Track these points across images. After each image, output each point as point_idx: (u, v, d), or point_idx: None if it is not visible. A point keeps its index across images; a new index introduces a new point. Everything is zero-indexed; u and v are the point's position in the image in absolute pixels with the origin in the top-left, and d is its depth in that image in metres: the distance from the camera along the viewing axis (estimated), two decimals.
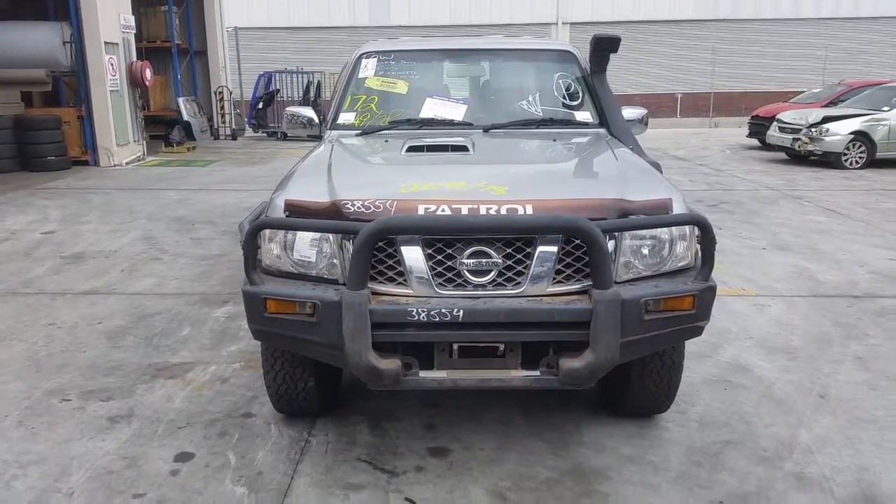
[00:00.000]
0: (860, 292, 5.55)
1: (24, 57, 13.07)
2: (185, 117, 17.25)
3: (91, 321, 5.00)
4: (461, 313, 2.65)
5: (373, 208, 2.78)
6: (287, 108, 4.81)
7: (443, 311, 2.64)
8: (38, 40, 13.26)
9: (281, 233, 2.87)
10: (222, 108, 19.79)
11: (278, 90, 20.78)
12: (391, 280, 2.76)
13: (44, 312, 5.19)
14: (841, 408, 3.64)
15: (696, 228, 2.84)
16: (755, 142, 16.66)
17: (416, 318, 2.65)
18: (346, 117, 4.34)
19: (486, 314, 2.66)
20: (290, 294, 2.76)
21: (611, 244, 2.75)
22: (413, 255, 2.71)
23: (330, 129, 4.29)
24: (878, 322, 4.88)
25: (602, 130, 4.15)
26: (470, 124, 4.14)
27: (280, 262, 2.89)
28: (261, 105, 20.02)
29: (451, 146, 3.70)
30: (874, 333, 4.67)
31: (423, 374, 2.80)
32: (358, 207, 2.79)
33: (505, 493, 2.93)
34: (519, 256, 2.72)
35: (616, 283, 2.73)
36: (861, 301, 5.34)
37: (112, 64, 13.47)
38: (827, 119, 13.15)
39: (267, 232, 2.88)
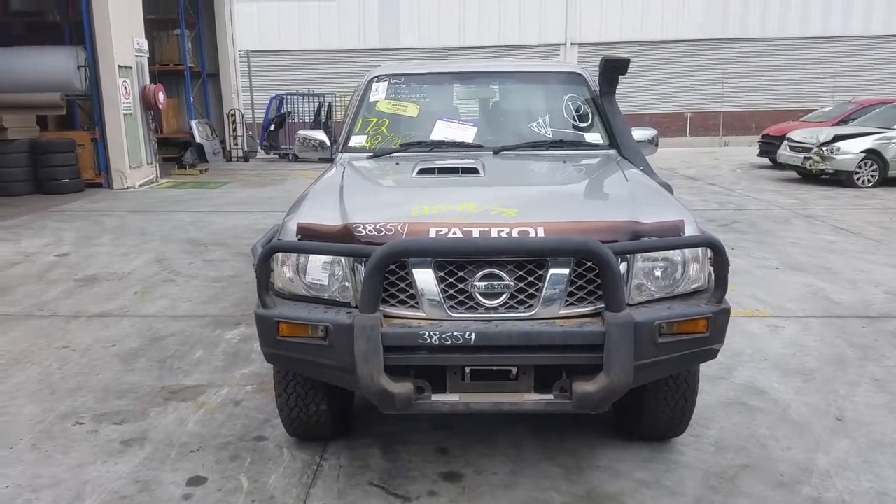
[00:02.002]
0: (875, 313, 5.50)
1: (39, 81, 13.27)
2: (198, 139, 17.42)
3: (104, 344, 5.02)
4: (473, 336, 2.64)
5: (384, 231, 2.78)
6: (299, 132, 4.85)
7: (455, 333, 2.64)
8: (54, 65, 13.47)
9: (293, 256, 2.88)
10: (234, 130, 19.98)
11: (290, 112, 20.96)
12: (403, 303, 2.76)
13: (57, 335, 5.22)
14: (859, 431, 3.60)
15: (708, 250, 2.84)
16: (766, 161, 16.62)
17: (428, 341, 2.65)
18: (357, 140, 4.36)
19: (498, 337, 2.65)
20: (302, 317, 2.76)
21: (623, 266, 2.74)
22: (425, 278, 2.71)
23: (341, 152, 4.32)
24: (895, 343, 4.83)
25: (612, 151, 4.16)
26: (480, 146, 4.16)
27: (292, 285, 2.90)
28: (272, 127, 20.19)
29: (462, 168, 3.71)
30: (891, 355, 4.62)
31: (436, 397, 2.78)
32: (370, 230, 2.80)
33: None
34: (531, 279, 2.72)
35: (629, 305, 2.71)
36: (877, 322, 5.28)
37: (125, 87, 13.64)
38: (838, 137, 13.11)
39: (279, 255, 2.89)
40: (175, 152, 17.47)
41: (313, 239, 2.87)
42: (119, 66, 13.34)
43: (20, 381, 4.38)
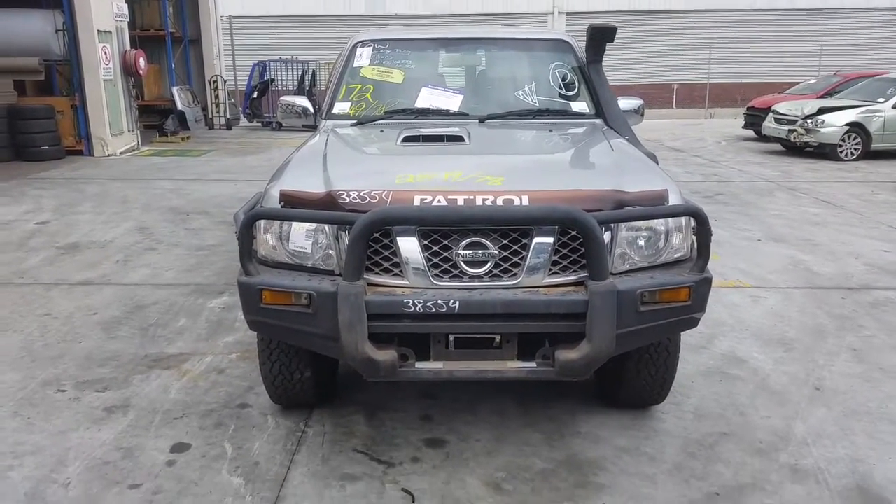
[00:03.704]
0: (855, 284, 5.57)
1: (16, 45, 12.95)
2: (180, 107, 17.15)
3: (86, 312, 4.98)
4: (457, 304, 2.64)
5: (368, 199, 2.77)
6: (282, 98, 4.78)
7: (439, 302, 2.64)
8: (31, 28, 13.14)
9: (276, 223, 2.86)
10: (217, 97, 19.69)
11: (273, 79, 20.70)
12: (387, 271, 2.75)
13: (39, 303, 5.17)
14: (836, 399, 3.66)
15: (692, 220, 2.84)
16: (751, 133, 16.67)
17: (412, 309, 2.65)
18: (341, 107, 4.31)
19: (482, 305, 2.66)
20: (285, 285, 2.75)
21: (607, 235, 2.74)
22: (409, 246, 2.70)
23: (325, 119, 4.26)
24: (873, 314, 4.90)
25: (598, 121, 4.14)
26: (466, 114, 4.12)
27: (275, 252, 2.88)
28: (255, 94, 19.94)
29: (447, 136, 3.68)
30: (868, 325, 4.69)
31: (420, 365, 2.79)
32: (353, 198, 2.78)
33: (501, 484, 2.93)
34: (515, 247, 2.71)
35: (612, 274, 2.73)
36: (856, 293, 5.35)
37: (105, 52, 13.37)
38: (822, 110, 13.15)
39: (262, 223, 2.87)
40: (156, 119, 17.19)
41: (296, 206, 2.85)
42: (98, 31, 13.06)
43: (1, 348, 4.34)
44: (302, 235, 2.83)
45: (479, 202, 2.71)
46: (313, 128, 4.41)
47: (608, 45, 4.23)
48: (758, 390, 3.76)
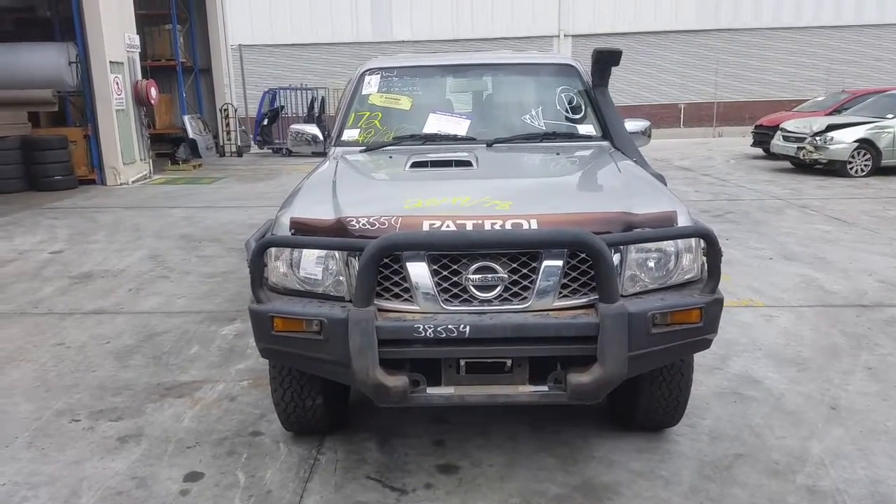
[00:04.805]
0: (869, 301, 5.52)
1: (30, 78, 13.21)
2: (191, 135, 17.37)
3: (99, 341, 5.01)
4: (467, 329, 2.64)
5: (378, 225, 2.79)
6: (292, 126, 4.84)
7: (449, 326, 2.64)
8: (45, 61, 13.41)
9: (287, 251, 2.88)
10: (227, 125, 19.92)
11: (283, 106, 20.95)
12: (397, 296, 2.76)
13: (52, 332, 5.21)
14: (852, 419, 3.62)
15: (701, 241, 2.84)
16: (759, 151, 16.65)
17: (423, 334, 2.65)
18: (350, 134, 4.36)
19: (492, 329, 2.66)
20: (296, 312, 2.76)
21: (616, 257, 2.75)
22: (419, 272, 2.71)
23: (334, 146, 4.31)
24: (888, 332, 4.85)
25: (605, 143, 4.16)
26: (473, 139, 4.15)
27: (286, 279, 2.90)
28: (266, 122, 20.17)
29: (455, 161, 3.71)
30: (884, 343, 4.64)
31: (431, 390, 2.79)
32: (363, 224, 2.80)
33: None
34: (525, 271, 2.72)
35: (622, 296, 2.72)
36: (870, 310, 5.31)
37: (117, 83, 13.57)
38: (831, 127, 13.14)
39: (273, 250, 2.89)
40: (168, 148, 17.41)
41: (307, 233, 2.87)
42: (110, 62, 13.28)
43: (15, 378, 4.37)
44: (312, 262, 2.85)
45: (487, 227, 2.72)
46: (323, 154, 4.45)
47: (614, 67, 4.26)
48: (773, 411, 3.73)
